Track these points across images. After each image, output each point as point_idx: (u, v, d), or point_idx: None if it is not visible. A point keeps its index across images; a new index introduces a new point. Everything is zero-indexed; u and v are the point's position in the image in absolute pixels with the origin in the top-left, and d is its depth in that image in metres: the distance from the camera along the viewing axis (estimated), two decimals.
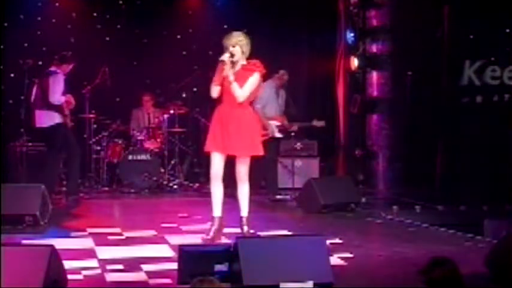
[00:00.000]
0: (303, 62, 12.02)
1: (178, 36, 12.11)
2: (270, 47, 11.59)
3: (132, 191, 10.64)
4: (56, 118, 9.39)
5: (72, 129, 9.73)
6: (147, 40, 11.96)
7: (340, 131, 11.88)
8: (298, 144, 10.94)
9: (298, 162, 10.95)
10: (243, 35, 6.78)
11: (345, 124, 11.84)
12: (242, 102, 6.67)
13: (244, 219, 6.83)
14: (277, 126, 10.00)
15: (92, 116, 10.87)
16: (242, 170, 6.78)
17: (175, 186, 11.06)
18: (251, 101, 6.97)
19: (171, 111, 11.06)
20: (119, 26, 11.87)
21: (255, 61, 6.80)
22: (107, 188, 10.82)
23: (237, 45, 6.67)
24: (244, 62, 6.75)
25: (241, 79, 6.65)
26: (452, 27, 10.38)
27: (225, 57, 6.63)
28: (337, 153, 11.98)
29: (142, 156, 10.83)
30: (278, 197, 9.99)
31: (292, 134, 10.28)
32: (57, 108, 9.37)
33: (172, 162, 11.31)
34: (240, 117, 6.70)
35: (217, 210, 6.80)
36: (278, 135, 10.04)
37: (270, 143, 9.98)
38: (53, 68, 9.50)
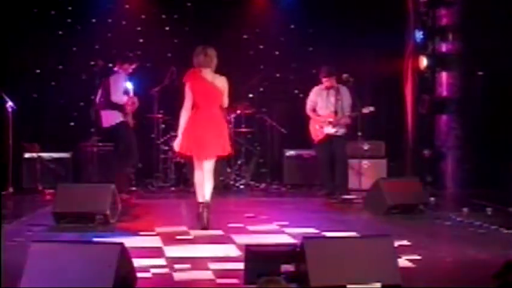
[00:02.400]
0: (371, 62, 11.90)
1: (245, 36, 12.15)
2: (336, 46, 11.56)
3: None
4: (118, 117, 9.54)
5: (135, 129, 9.83)
6: (215, 41, 12.01)
7: (409, 132, 11.75)
8: (366, 144, 10.85)
9: (365, 163, 10.87)
10: None
11: (413, 124, 11.70)
12: None
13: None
14: (329, 122, 10.11)
15: (160, 116, 11.02)
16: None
17: (241, 186, 11.12)
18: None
19: (238, 112, 11.10)
20: (186, 28, 11.98)
21: None
22: (174, 188, 10.94)
23: None
24: None
25: None
26: None
27: None
28: (405, 154, 11.85)
29: None
30: (346, 196, 9.93)
31: (359, 134, 10.19)
32: (118, 107, 9.51)
33: (239, 162, 11.36)
34: None
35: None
36: (329, 130, 10.13)
37: (336, 142, 10.04)
38: (115, 68, 9.69)
